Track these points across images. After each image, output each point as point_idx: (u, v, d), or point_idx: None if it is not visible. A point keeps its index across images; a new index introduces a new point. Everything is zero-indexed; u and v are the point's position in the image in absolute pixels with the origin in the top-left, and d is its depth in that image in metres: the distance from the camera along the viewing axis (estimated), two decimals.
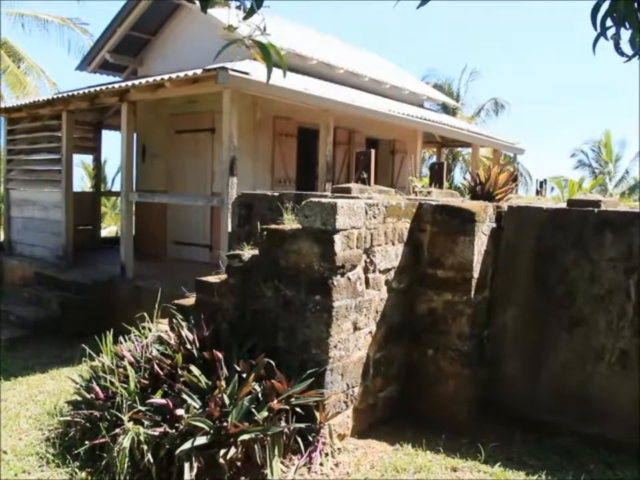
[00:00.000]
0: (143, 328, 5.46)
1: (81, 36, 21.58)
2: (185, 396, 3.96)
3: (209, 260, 10.07)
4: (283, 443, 4.08)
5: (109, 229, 23.24)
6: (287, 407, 4.07)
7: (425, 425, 4.97)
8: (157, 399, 4.03)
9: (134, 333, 5.34)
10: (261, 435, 3.91)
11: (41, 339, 7.78)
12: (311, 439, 4.25)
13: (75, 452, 4.12)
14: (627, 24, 1.99)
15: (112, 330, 7.81)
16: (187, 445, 3.71)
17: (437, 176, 8.39)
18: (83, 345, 5.25)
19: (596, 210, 5.09)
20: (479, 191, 6.57)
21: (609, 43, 2.15)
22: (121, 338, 5.27)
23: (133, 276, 8.38)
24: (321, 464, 4.23)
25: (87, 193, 12.90)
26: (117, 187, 21.76)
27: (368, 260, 4.63)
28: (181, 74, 6.83)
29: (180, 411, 3.90)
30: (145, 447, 3.82)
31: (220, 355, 4.13)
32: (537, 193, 11.73)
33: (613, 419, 4.86)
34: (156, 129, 10.54)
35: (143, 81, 7.30)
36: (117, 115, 12.89)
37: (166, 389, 4.14)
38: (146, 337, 5.16)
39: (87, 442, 4.07)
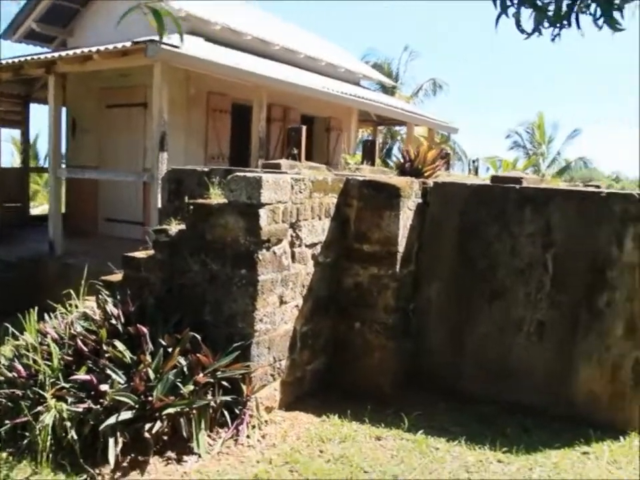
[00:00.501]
0: (70, 305, 5.37)
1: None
2: (109, 371, 3.94)
3: (140, 237, 9.87)
4: (209, 417, 4.11)
5: (41, 208, 22.51)
6: (213, 381, 4.10)
7: (352, 397, 5.07)
8: (81, 375, 3.99)
9: (60, 310, 5.25)
10: (187, 409, 3.94)
11: None
12: (237, 412, 4.30)
13: None
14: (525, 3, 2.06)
15: (37, 308, 7.67)
16: (111, 420, 3.69)
17: (369, 153, 8.52)
18: (6, 324, 5.13)
19: (517, 186, 5.27)
20: (407, 167, 6.69)
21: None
22: (46, 316, 5.17)
23: (62, 253, 8.20)
24: (248, 436, 4.29)
25: (15, 169, 12.44)
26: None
27: (294, 234, 4.68)
28: (110, 46, 6.67)
29: (104, 387, 3.87)
30: (69, 424, 3.78)
31: (145, 330, 4.12)
32: (469, 171, 12.02)
33: (530, 387, 5.10)
34: (86, 102, 10.26)
35: (71, 52, 7.09)
36: (45, 88, 12.53)
37: (90, 365, 4.09)
38: (72, 314, 5.09)
39: (7, 421, 3.99)
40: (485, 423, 4.77)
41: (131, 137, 9.88)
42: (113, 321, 4.35)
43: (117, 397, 3.79)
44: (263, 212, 4.25)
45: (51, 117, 8.14)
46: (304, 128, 6.75)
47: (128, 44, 6.46)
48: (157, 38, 6.34)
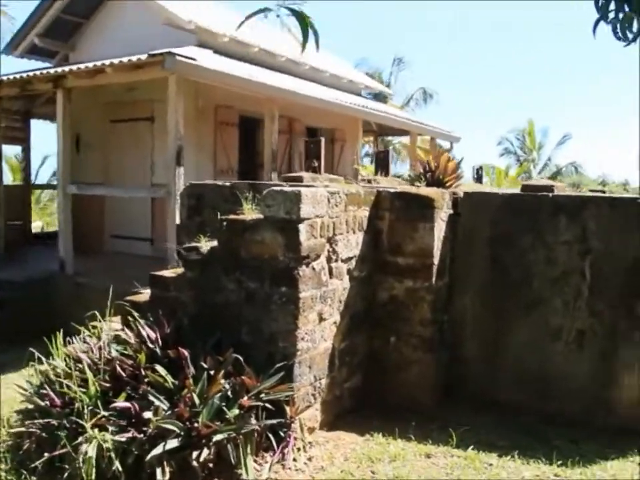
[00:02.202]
0: (94, 327, 5.21)
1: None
2: (151, 397, 3.77)
3: (150, 253, 9.77)
4: (254, 441, 3.96)
5: (35, 224, 22.24)
6: (258, 404, 3.95)
7: (391, 413, 4.94)
8: (121, 403, 3.82)
9: (84, 333, 5.08)
10: (234, 434, 3.78)
11: None
12: (282, 434, 4.14)
13: (32, 465, 3.81)
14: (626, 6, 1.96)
15: (54, 330, 7.48)
16: (158, 450, 3.53)
17: (383, 164, 8.44)
18: (32, 349, 4.96)
19: (550, 195, 5.19)
20: (429, 178, 6.59)
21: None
22: (70, 339, 5.01)
23: (73, 272, 8.01)
24: (294, 459, 4.14)
25: (16, 186, 12.21)
26: (41, 180, 20.81)
27: (331, 249, 4.55)
28: (125, 59, 6.52)
29: (147, 414, 3.71)
30: (113, 455, 3.62)
31: (186, 353, 3.96)
32: (476, 179, 11.93)
33: (571, 397, 4.99)
34: (90, 117, 10.08)
35: (82, 66, 6.93)
36: (47, 104, 12.33)
37: (129, 392, 3.94)
38: (99, 337, 4.92)
39: (45, 454, 3.80)
40: (530, 435, 4.66)
41: (137, 152, 9.74)
42: (150, 344, 4.19)
43: (163, 425, 3.63)
44: (302, 227, 4.12)
45: (59, 132, 7.97)
46: (323, 140, 6.65)
47: (143, 56, 6.31)
48: (173, 50, 6.23)
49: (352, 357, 5.01)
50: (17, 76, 8.06)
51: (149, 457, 3.53)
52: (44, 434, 3.99)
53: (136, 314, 4.79)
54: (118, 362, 4.08)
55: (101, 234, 10.31)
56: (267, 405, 4.03)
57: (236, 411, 3.86)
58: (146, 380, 3.95)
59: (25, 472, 3.84)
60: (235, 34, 9.22)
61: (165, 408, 3.76)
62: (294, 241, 4.12)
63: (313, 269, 4.31)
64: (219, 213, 4.92)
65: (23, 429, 4.06)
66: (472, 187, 7.31)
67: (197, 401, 3.78)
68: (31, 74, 7.92)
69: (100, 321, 5.64)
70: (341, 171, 12.00)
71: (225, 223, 4.43)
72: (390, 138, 24.37)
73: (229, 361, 4.01)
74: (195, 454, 3.66)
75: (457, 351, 5.44)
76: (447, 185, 6.54)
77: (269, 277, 4.25)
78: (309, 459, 4.23)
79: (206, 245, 4.62)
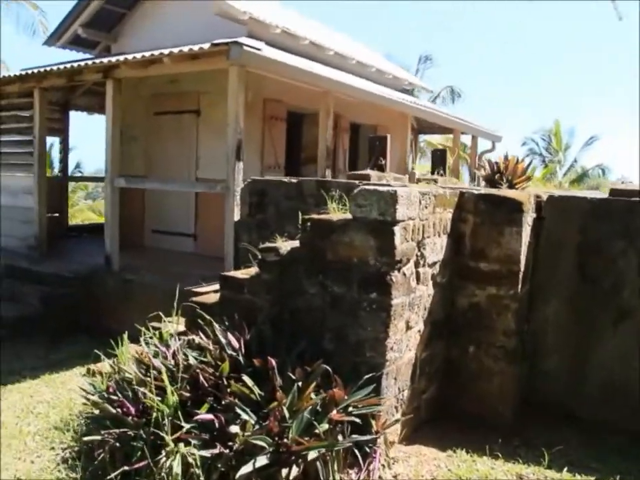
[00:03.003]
0: (155, 329, 4.97)
1: (31, 11, 20.41)
2: (238, 410, 3.52)
3: (192, 250, 9.54)
4: (341, 457, 3.70)
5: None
6: (348, 419, 3.68)
7: (468, 425, 4.70)
8: (204, 415, 3.57)
9: (145, 334, 4.83)
10: (324, 451, 3.52)
11: (21, 338, 6.96)
12: (367, 449, 3.88)
13: (107, 478, 3.57)
14: None
15: (102, 327, 7.27)
16: (248, 468, 3.28)
17: (440, 163, 8.12)
18: (96, 351, 4.76)
19: None
20: (498, 179, 6.31)
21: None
22: (120, 338, 4.78)
23: (120, 268, 7.77)
24: (380, 477, 3.89)
25: (55, 178, 12.02)
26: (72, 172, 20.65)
27: (419, 253, 4.26)
28: (185, 48, 6.23)
29: (234, 428, 3.45)
30: (198, 471, 3.37)
31: (273, 363, 3.69)
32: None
33: None
34: (133, 110, 9.83)
35: (138, 55, 6.64)
36: (85, 95, 12.15)
37: (211, 402, 3.68)
38: (161, 338, 4.69)
39: (125, 466, 3.55)
40: (622, 456, 4.36)
41: (181, 145, 9.48)
42: (232, 352, 3.93)
43: (253, 440, 3.37)
44: (397, 229, 3.84)
45: (109, 124, 7.72)
46: (388, 137, 6.36)
47: (206, 45, 6.02)
48: (239, 40, 5.95)
49: (430, 367, 4.73)
50: (66, 66, 7.80)
51: (238, 475, 3.28)
52: (117, 444, 3.76)
53: (207, 316, 4.54)
54: (197, 370, 3.83)
55: (141, 229, 10.07)
56: (355, 419, 3.77)
57: (325, 426, 3.59)
58: (228, 390, 3.70)
59: None
60: (287, 25, 8.94)
61: (253, 422, 3.50)
62: (388, 245, 3.84)
63: (404, 274, 4.03)
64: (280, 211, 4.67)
65: (97, 437, 3.80)
66: (540, 189, 6.99)
67: (286, 414, 3.51)
68: (81, 64, 7.66)
69: (162, 321, 5.42)
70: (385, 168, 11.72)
71: (308, 224, 4.15)
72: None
73: (318, 372, 3.74)
74: (284, 472, 3.40)
75: (536, 362, 5.16)
76: (517, 187, 6.27)
77: (357, 281, 3.98)
78: (395, 476, 3.99)
79: (285, 245, 4.36)
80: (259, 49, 6.12)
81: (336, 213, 4.29)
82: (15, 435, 4.53)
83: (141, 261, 8.36)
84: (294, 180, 5.73)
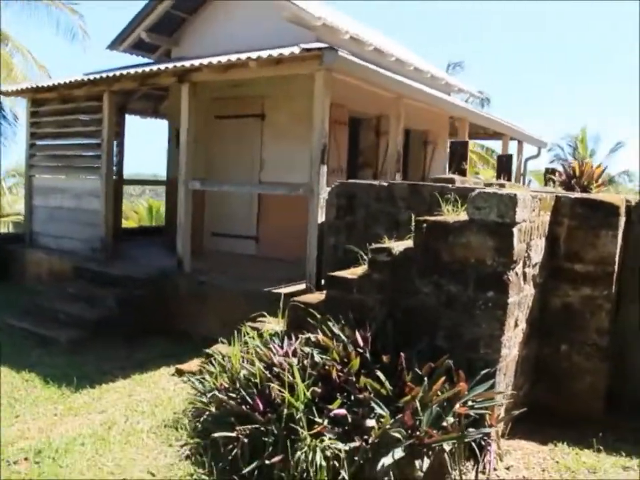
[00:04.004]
0: (253, 329, 5.16)
1: (70, 16, 20.72)
2: (373, 404, 3.70)
3: (254, 252, 9.71)
4: (461, 450, 3.88)
5: None
6: (471, 412, 3.86)
7: (562, 423, 4.83)
8: (339, 410, 3.75)
9: (246, 334, 5.02)
10: (454, 443, 3.70)
11: (100, 339, 7.14)
12: (482, 442, 4.05)
13: (243, 472, 3.76)
14: None
15: (178, 328, 7.47)
16: (388, 459, 3.46)
17: (505, 168, 8.28)
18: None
19: None
20: (574, 184, 6.48)
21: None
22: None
23: (192, 270, 7.98)
24: (495, 469, 4.06)
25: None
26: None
27: (526, 254, 4.44)
28: (274, 52, 6.39)
29: (370, 422, 3.64)
30: (338, 464, 3.56)
31: (403, 359, 3.88)
32: (545, 182, 11.76)
33: None
34: (194, 113, 10.02)
35: (223, 59, 6.76)
36: (141, 99, 12.44)
37: (342, 398, 3.87)
38: (263, 340, 4.86)
39: (259, 461, 3.73)
40: None
41: (243, 149, 9.68)
42: (359, 349, 4.11)
43: (391, 433, 3.55)
44: (516, 231, 4.02)
45: (184, 127, 7.95)
46: (469, 142, 6.53)
47: (296, 50, 6.15)
48: (323, 45, 6.14)
49: (526, 365, 4.90)
50: (140, 70, 8.02)
51: (379, 466, 3.47)
52: (245, 439, 3.93)
53: (317, 315, 4.73)
54: (327, 367, 4.02)
55: (202, 231, 10.23)
56: (472, 413, 3.94)
57: (451, 419, 3.77)
58: (357, 386, 3.88)
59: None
60: (355, 31, 9.12)
61: (387, 415, 3.68)
62: (506, 245, 4.02)
63: (516, 274, 4.21)
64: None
65: (230, 433, 3.97)
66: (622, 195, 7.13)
67: (418, 408, 3.69)
68: (156, 67, 7.86)
69: (256, 321, 5.62)
70: (432, 175, 11.85)
71: (424, 225, 4.33)
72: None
73: (443, 368, 3.92)
74: (417, 463, 3.59)
75: (622, 360, 5.30)
76: (593, 191, 6.44)
77: (473, 280, 4.15)
78: (507, 468, 4.17)
79: (397, 245, 4.54)
80: (349, 55, 6.32)
81: (449, 215, 4.47)
82: (131, 432, 4.68)
83: (205, 263, 8.56)
84: (384, 183, 5.91)
